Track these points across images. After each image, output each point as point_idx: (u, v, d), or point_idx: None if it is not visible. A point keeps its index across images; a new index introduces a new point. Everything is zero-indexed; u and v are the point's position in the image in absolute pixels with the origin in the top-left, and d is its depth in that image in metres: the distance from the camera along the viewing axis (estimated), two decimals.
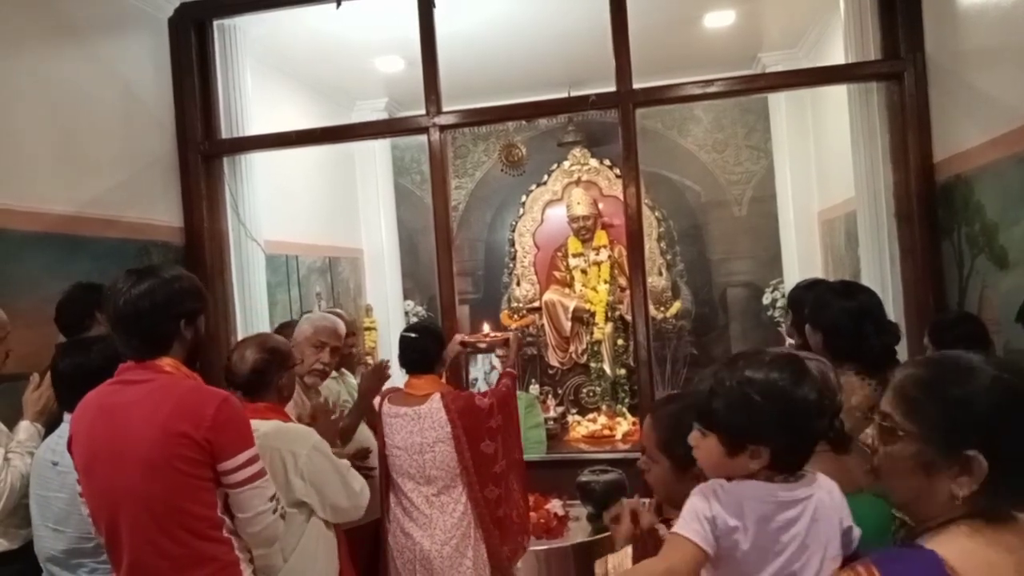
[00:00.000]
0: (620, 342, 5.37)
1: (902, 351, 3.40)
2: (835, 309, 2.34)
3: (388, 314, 6.30)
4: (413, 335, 2.98)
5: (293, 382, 2.51)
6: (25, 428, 2.36)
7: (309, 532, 2.33)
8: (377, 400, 3.01)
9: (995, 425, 1.06)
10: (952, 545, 1.06)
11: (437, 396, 2.86)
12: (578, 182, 5.83)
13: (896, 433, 1.13)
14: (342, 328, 3.10)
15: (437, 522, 2.80)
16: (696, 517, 1.31)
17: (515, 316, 5.75)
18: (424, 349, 2.95)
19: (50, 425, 2.36)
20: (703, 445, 1.37)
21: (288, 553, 2.27)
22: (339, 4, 3.81)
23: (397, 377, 3.10)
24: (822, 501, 1.34)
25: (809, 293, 2.66)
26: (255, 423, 2.23)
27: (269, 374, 2.35)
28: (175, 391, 1.85)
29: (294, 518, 2.25)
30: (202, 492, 1.83)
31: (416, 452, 2.84)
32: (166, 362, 1.89)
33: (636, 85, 3.80)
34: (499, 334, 3.45)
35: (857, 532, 1.38)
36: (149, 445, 1.79)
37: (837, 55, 4.00)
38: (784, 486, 1.32)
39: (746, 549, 1.29)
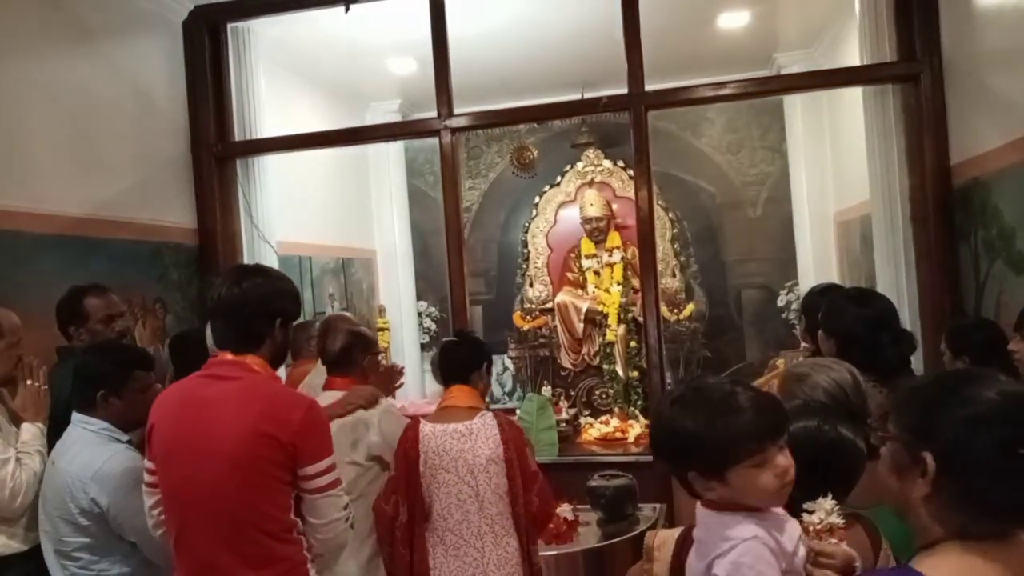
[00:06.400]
0: (633, 344, 5.32)
1: (918, 356, 3.38)
2: (851, 316, 2.27)
3: (401, 315, 6.30)
4: (454, 341, 2.86)
5: (376, 366, 2.87)
6: (27, 428, 2.35)
7: (377, 485, 2.64)
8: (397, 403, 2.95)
9: (958, 433, 1.03)
10: (942, 564, 1.03)
11: (489, 414, 2.67)
12: (591, 183, 5.80)
13: (884, 437, 1.15)
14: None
15: (490, 556, 2.55)
16: None
17: (527, 317, 5.74)
18: (465, 358, 2.76)
19: (53, 429, 2.36)
20: None
21: (355, 498, 2.39)
22: (347, 9, 3.81)
23: (410, 386, 3.07)
24: None
25: (822, 299, 2.61)
26: (340, 392, 2.66)
27: (354, 352, 2.74)
28: (264, 392, 1.87)
29: (370, 470, 2.66)
30: (280, 495, 1.84)
31: (468, 473, 2.55)
32: (254, 361, 1.89)
33: (650, 85, 3.78)
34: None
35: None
36: (236, 443, 1.79)
37: (853, 56, 3.95)
38: None
39: None
